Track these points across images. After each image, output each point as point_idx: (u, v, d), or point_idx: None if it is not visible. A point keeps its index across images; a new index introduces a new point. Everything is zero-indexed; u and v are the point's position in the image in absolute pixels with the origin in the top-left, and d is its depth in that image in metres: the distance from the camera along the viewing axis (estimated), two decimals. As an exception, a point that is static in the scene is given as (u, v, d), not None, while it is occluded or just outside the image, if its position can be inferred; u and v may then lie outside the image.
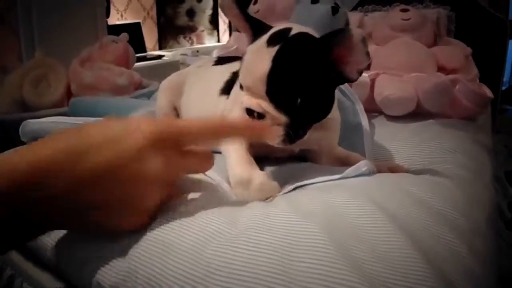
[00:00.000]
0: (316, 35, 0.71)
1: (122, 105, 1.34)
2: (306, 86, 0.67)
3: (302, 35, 0.70)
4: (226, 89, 0.92)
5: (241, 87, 0.73)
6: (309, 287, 0.44)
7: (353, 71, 0.69)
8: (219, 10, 4.36)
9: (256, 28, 0.74)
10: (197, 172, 0.66)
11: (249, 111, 0.69)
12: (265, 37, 0.69)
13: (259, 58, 0.68)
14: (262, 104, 0.68)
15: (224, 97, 0.91)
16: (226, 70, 0.97)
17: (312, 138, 0.77)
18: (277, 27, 0.72)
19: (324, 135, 0.81)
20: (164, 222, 0.57)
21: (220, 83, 0.94)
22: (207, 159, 0.62)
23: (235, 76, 0.91)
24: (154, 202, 0.57)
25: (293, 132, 0.69)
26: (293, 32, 0.69)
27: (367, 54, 0.66)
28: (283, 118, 0.68)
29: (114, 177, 0.51)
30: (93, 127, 0.53)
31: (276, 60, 0.66)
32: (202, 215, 0.58)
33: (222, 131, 0.61)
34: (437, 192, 0.66)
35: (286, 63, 0.66)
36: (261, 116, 0.68)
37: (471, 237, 0.58)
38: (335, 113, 0.83)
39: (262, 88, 0.67)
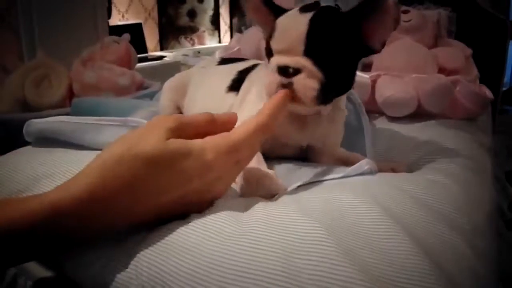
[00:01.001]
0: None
1: (124, 105, 1.34)
2: (340, 47, 0.71)
3: (332, 7, 0.74)
4: (234, 87, 0.93)
5: (270, 55, 0.74)
6: (310, 284, 0.44)
7: (378, 42, 0.73)
8: (220, 11, 4.37)
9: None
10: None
11: (282, 70, 0.70)
12: (296, 8, 0.73)
13: (294, 22, 0.71)
14: (299, 60, 0.70)
15: (232, 94, 0.92)
16: (232, 69, 0.98)
17: (319, 131, 0.79)
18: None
19: (331, 128, 0.82)
20: (168, 221, 0.58)
21: (227, 81, 0.96)
22: None
23: (241, 74, 0.94)
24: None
25: (324, 92, 0.71)
26: (322, 5, 0.73)
27: (396, 20, 0.70)
28: (319, 73, 0.70)
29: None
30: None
31: (313, 20, 0.69)
32: (206, 212, 0.58)
33: (266, 125, 0.61)
34: (438, 192, 0.66)
35: (323, 23, 0.70)
36: (296, 72, 0.70)
37: (472, 237, 0.58)
38: (342, 106, 0.85)
39: (300, 48, 0.70)
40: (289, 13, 0.73)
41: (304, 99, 0.70)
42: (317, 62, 0.70)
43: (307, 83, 0.70)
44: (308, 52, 0.69)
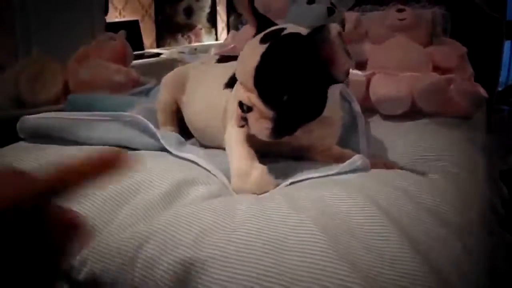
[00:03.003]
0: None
1: (120, 102, 1.34)
2: (293, 83, 0.69)
3: (292, 35, 0.72)
4: (230, 84, 0.94)
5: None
6: (301, 279, 0.45)
7: (340, 72, 0.71)
8: (217, 8, 4.36)
9: (261, 23, 0.78)
10: None
11: (240, 104, 0.72)
12: (261, 34, 0.73)
13: (251, 53, 0.71)
14: (251, 98, 0.70)
15: (228, 90, 0.94)
16: (230, 67, 0.99)
17: (314, 136, 0.80)
18: (275, 27, 0.74)
19: (327, 133, 0.83)
20: (163, 215, 0.58)
21: (225, 78, 0.97)
22: None
23: None
24: None
25: (281, 127, 0.71)
26: (286, 32, 0.72)
27: (347, 52, 0.68)
28: (270, 112, 0.70)
29: None
30: None
31: (264, 55, 0.69)
32: (201, 208, 0.58)
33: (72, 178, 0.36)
34: (431, 189, 0.67)
35: (274, 59, 0.69)
36: (250, 109, 0.71)
37: (465, 235, 0.59)
38: (336, 113, 0.84)
39: (250, 81, 0.70)
40: (253, 40, 0.73)
41: (259, 136, 0.72)
42: (267, 99, 0.69)
43: (259, 123, 0.71)
44: (258, 87, 0.70)
